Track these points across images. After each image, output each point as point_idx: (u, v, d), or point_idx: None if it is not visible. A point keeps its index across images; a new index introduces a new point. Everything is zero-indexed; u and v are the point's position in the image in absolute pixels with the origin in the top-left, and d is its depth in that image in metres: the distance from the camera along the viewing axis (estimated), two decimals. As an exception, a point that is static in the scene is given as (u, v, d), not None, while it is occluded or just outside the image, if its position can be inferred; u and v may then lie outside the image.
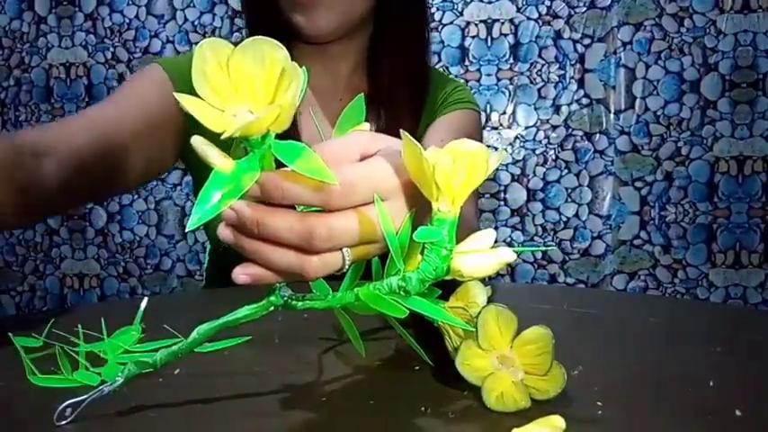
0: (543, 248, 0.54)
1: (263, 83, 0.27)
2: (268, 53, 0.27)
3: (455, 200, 0.29)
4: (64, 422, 0.31)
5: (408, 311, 0.31)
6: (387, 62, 0.78)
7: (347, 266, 0.32)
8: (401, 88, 0.78)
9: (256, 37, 0.27)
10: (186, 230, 0.32)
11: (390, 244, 0.30)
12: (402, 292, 0.31)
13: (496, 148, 1.64)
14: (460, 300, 0.39)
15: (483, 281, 0.36)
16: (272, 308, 0.32)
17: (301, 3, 0.70)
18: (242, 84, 0.27)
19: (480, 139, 0.87)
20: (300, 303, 0.33)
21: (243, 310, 0.32)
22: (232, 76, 0.27)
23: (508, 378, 0.33)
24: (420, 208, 0.32)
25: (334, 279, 0.34)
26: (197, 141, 0.27)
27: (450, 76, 1.32)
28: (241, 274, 0.31)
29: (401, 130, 0.30)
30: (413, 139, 0.29)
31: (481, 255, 0.30)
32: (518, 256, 1.67)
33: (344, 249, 0.31)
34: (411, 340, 0.39)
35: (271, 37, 0.27)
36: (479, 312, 0.33)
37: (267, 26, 0.73)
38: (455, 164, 0.28)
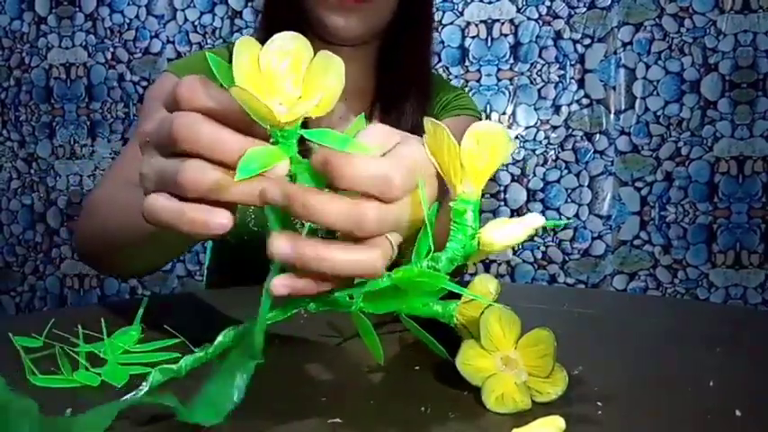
0: (565, 222, 0.56)
1: (293, 76, 0.28)
2: (296, 47, 0.28)
3: (478, 181, 0.30)
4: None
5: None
6: (394, 67, 0.81)
7: (395, 254, 0.31)
8: (406, 93, 0.80)
9: (284, 33, 0.28)
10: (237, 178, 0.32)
11: (428, 226, 0.31)
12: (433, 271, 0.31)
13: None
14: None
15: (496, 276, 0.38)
16: (297, 310, 0.33)
17: (345, 6, 0.71)
18: (272, 78, 0.28)
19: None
20: (329, 302, 0.33)
21: (269, 314, 0.31)
22: (263, 72, 0.28)
23: (510, 379, 0.33)
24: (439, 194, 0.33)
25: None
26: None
27: (451, 82, 1.32)
28: (281, 285, 0.29)
29: (425, 117, 0.31)
30: (438, 123, 0.30)
31: (509, 225, 0.31)
32: (517, 255, 1.66)
33: (390, 237, 0.30)
34: (426, 334, 0.39)
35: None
36: (482, 311, 0.33)
37: (287, 23, 0.74)
38: (479, 145, 0.30)
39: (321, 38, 0.76)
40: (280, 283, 0.29)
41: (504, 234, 0.31)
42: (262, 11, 0.81)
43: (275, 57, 0.28)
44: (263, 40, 0.29)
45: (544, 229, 1.70)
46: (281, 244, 0.28)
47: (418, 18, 0.80)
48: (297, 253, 0.28)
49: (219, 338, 0.32)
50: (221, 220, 0.29)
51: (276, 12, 0.78)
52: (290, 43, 0.28)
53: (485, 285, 0.39)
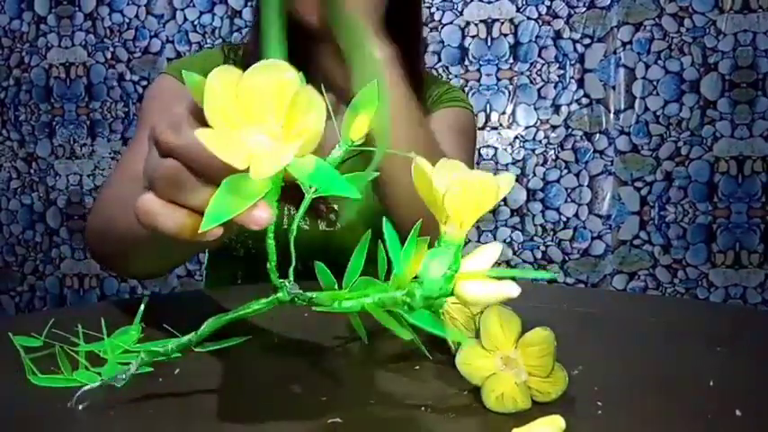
0: (547, 275, 0.51)
1: (275, 105, 0.27)
2: (277, 76, 0.27)
3: (463, 224, 0.30)
4: (81, 406, 0.32)
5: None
6: None
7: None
8: None
9: (266, 61, 0.27)
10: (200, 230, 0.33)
11: (393, 258, 0.30)
12: (406, 307, 0.31)
13: (496, 149, 1.64)
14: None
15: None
16: (278, 303, 0.33)
17: None
18: (252, 107, 0.27)
19: (475, 137, 0.89)
20: (306, 303, 0.33)
21: (251, 305, 0.33)
22: (242, 100, 0.26)
23: (510, 379, 0.33)
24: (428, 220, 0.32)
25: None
26: None
27: (444, 80, 1.32)
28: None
29: (414, 157, 0.30)
30: (424, 166, 0.29)
31: (486, 284, 0.30)
32: (517, 255, 1.66)
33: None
34: (414, 334, 0.39)
35: (285, 34, 0.27)
36: (481, 312, 0.33)
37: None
38: (464, 192, 0.29)
39: (309, 37, 0.75)
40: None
41: (478, 292, 0.29)
42: (252, 19, 0.80)
43: (256, 84, 0.27)
44: (251, 47, 0.28)
45: (544, 229, 1.70)
46: None
47: (407, 8, 0.78)
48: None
49: (203, 327, 0.33)
50: (216, 230, 0.28)
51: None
52: (276, 73, 0.27)
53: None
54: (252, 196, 0.27)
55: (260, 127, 0.27)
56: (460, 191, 0.29)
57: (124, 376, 0.32)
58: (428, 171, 0.29)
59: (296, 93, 0.27)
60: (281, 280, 0.32)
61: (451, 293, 0.30)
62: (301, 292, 0.33)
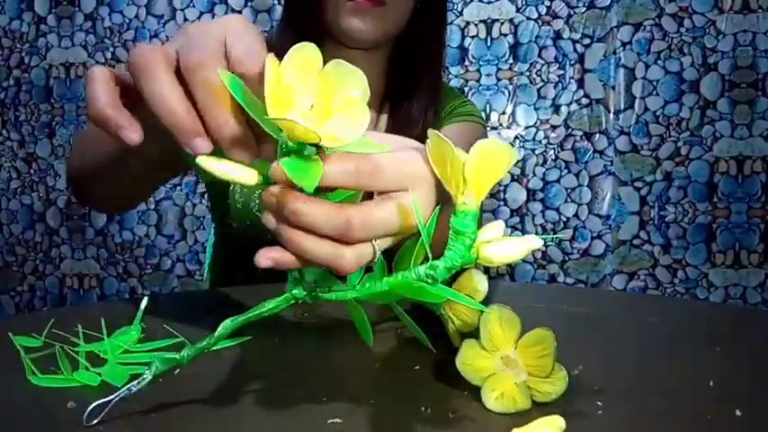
0: (560, 237, 0.56)
1: (307, 88, 0.29)
2: (312, 59, 0.29)
3: (480, 193, 0.31)
4: (95, 421, 0.31)
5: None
6: (405, 69, 0.82)
7: (377, 257, 0.32)
8: (416, 95, 0.81)
9: (299, 44, 0.29)
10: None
11: (423, 233, 0.31)
12: (429, 280, 0.32)
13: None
14: (462, 288, 0.39)
15: (486, 273, 0.38)
16: (294, 301, 0.34)
17: (360, 9, 0.72)
18: (290, 91, 0.29)
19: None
20: (327, 295, 0.34)
21: (266, 304, 0.33)
22: (283, 86, 0.29)
23: (510, 379, 0.33)
24: (439, 200, 0.34)
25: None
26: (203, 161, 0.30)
27: (451, 82, 1.33)
28: (264, 257, 0.31)
29: (429, 129, 0.31)
30: (443, 137, 0.30)
31: (509, 242, 0.31)
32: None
33: (375, 241, 0.32)
34: (415, 327, 0.40)
35: (307, 37, 0.30)
36: (481, 314, 0.33)
37: (305, 27, 0.76)
38: (483, 160, 0.30)
39: (338, 41, 0.77)
40: (264, 255, 0.31)
41: (503, 251, 0.31)
42: (282, 16, 0.83)
43: (296, 70, 0.29)
44: (280, 44, 0.29)
45: (544, 229, 1.71)
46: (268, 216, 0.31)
47: (433, 23, 0.82)
48: (279, 199, 0.30)
49: (219, 330, 0.33)
50: (132, 134, 0.33)
51: (295, 17, 0.79)
52: (309, 55, 0.29)
53: (473, 282, 0.40)
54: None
55: (297, 110, 0.29)
56: (479, 157, 0.30)
57: (137, 387, 0.32)
58: (449, 144, 0.30)
59: (327, 69, 0.29)
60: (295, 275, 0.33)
61: (475, 261, 0.31)
62: (318, 286, 0.34)
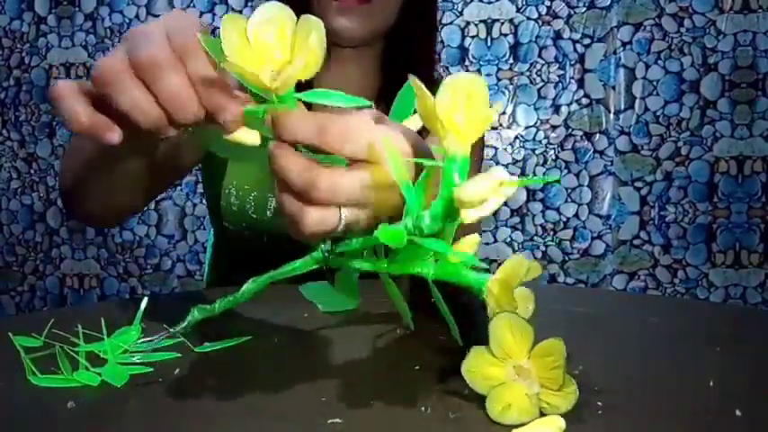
0: (551, 179, 0.56)
1: (280, 43, 0.31)
2: (279, 16, 0.31)
3: (462, 137, 0.30)
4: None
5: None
6: (398, 67, 0.81)
7: (341, 227, 0.33)
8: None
9: (268, 3, 0.31)
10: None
11: (404, 189, 0.31)
12: (417, 232, 0.31)
13: (496, 149, 1.64)
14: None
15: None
16: (316, 265, 0.36)
17: (346, 7, 0.73)
18: (261, 49, 0.31)
19: (482, 148, 0.90)
20: (340, 260, 0.36)
21: (290, 265, 0.36)
22: (252, 44, 0.31)
23: (521, 390, 0.31)
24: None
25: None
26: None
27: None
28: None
29: (410, 76, 0.31)
30: (418, 81, 0.30)
31: (477, 180, 0.28)
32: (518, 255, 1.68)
33: (342, 210, 0.32)
34: (446, 309, 0.38)
35: None
36: (492, 317, 0.32)
37: None
38: (454, 96, 0.29)
39: (328, 41, 0.77)
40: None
41: (474, 190, 0.28)
42: None
43: (262, 28, 0.31)
44: None
45: (544, 229, 1.70)
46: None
47: (422, 19, 0.81)
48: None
49: (242, 289, 0.36)
50: (112, 135, 0.34)
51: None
52: (274, 13, 0.31)
53: (518, 266, 0.35)
54: None
55: (271, 65, 0.31)
56: (449, 95, 0.29)
57: (185, 325, 0.37)
58: (422, 87, 0.30)
59: (297, 25, 0.31)
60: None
61: (456, 211, 0.30)
62: (333, 248, 0.36)
